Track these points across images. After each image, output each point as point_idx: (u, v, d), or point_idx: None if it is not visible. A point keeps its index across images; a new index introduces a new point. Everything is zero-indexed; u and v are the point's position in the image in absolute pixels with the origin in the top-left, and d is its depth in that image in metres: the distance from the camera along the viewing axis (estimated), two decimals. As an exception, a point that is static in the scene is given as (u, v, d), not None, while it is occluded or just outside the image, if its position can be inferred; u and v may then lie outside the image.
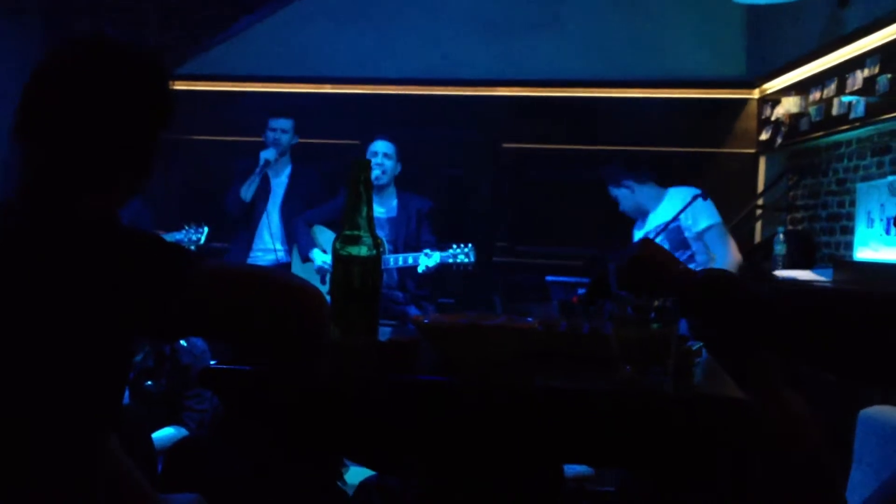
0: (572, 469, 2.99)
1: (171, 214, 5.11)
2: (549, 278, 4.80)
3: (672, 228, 4.31)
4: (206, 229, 4.57)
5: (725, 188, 5.41)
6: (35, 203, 1.36)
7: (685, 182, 4.58)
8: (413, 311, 4.59)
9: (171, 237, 4.38)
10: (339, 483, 3.38)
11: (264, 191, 4.97)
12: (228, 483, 2.21)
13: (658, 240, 4.32)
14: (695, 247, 4.37)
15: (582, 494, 2.98)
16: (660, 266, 1.46)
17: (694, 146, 5.86)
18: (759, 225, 5.79)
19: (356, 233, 1.42)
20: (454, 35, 5.99)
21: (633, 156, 5.33)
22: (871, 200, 4.35)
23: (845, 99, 4.44)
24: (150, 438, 2.96)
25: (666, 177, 4.73)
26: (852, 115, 4.37)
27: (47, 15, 4.99)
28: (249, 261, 4.91)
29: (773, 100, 5.44)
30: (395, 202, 4.76)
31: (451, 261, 4.47)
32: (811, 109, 4.89)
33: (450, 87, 6.04)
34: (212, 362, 1.50)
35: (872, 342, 1.23)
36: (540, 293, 4.91)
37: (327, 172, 5.23)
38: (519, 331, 1.50)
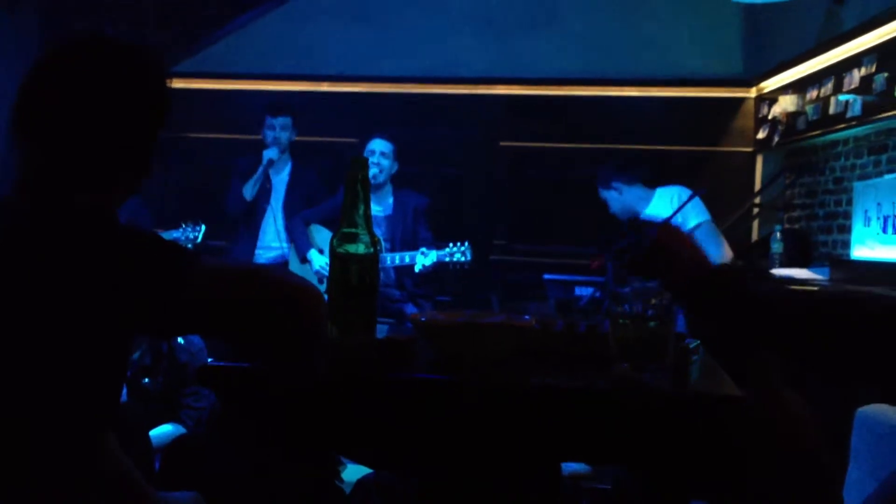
0: (569, 467, 2.99)
1: (168, 213, 5.10)
2: (546, 276, 4.80)
3: None
4: (203, 227, 4.56)
5: (722, 187, 5.42)
6: (33, 201, 1.36)
7: (682, 180, 4.59)
8: (410, 309, 4.59)
9: (168, 235, 4.37)
10: (336, 481, 3.38)
11: (265, 189, 4.96)
12: (226, 481, 2.22)
13: None
14: None
15: (579, 492, 2.98)
16: (674, 255, 1.45)
17: (691, 145, 5.86)
18: (756, 223, 5.79)
19: (354, 231, 1.42)
20: (452, 33, 5.98)
21: (629, 154, 5.35)
22: (868, 199, 4.35)
23: (842, 97, 4.44)
24: (148, 436, 2.96)
25: (663, 175, 4.74)
26: (849, 114, 4.37)
27: (45, 13, 4.98)
28: (255, 259, 4.92)
29: (770, 98, 5.44)
30: (391, 200, 4.76)
31: (447, 259, 4.48)
32: (808, 108, 4.90)
33: (448, 86, 6.04)
34: (209, 360, 1.51)
35: (871, 343, 1.23)
36: (537, 291, 4.91)
37: (325, 170, 5.23)
38: (516, 329, 1.50)
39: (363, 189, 1.44)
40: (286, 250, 4.95)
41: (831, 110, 4.59)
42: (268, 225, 4.98)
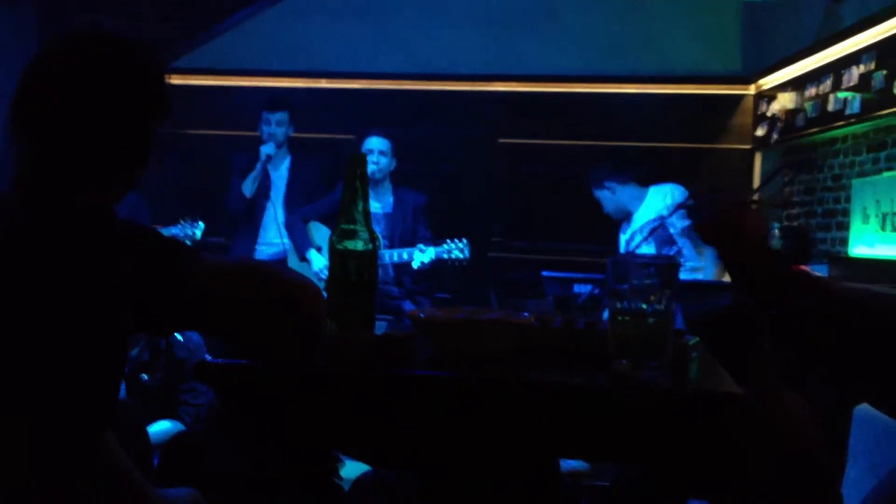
0: (568, 464, 2.99)
1: (167, 209, 5.09)
2: (545, 273, 4.81)
3: (658, 225, 4.35)
4: (202, 224, 4.56)
5: (721, 184, 5.42)
6: (31, 197, 1.36)
7: (681, 177, 4.60)
8: (409, 306, 4.59)
9: (167, 232, 4.37)
10: (335, 478, 3.38)
11: (264, 185, 4.96)
12: (224, 478, 2.22)
13: (643, 238, 4.36)
14: (681, 242, 4.42)
15: (578, 489, 2.98)
16: (734, 230, 1.49)
17: (690, 142, 5.87)
18: (754, 221, 5.79)
19: (352, 227, 1.42)
20: (451, 30, 5.98)
21: (628, 151, 5.35)
22: (867, 196, 4.35)
23: (841, 95, 4.44)
24: (146, 433, 2.95)
25: (662, 172, 4.74)
26: (848, 112, 4.38)
27: (43, 8, 4.98)
28: (256, 255, 4.91)
29: (769, 96, 5.44)
30: (391, 198, 4.76)
31: (445, 256, 4.47)
32: (807, 105, 4.90)
33: (446, 83, 6.04)
34: (207, 357, 1.50)
35: None
36: (536, 288, 4.91)
37: (323, 167, 5.22)
38: (515, 326, 1.50)
39: (362, 185, 1.44)
40: (287, 246, 4.95)
41: (830, 107, 4.59)
42: (268, 221, 4.97)
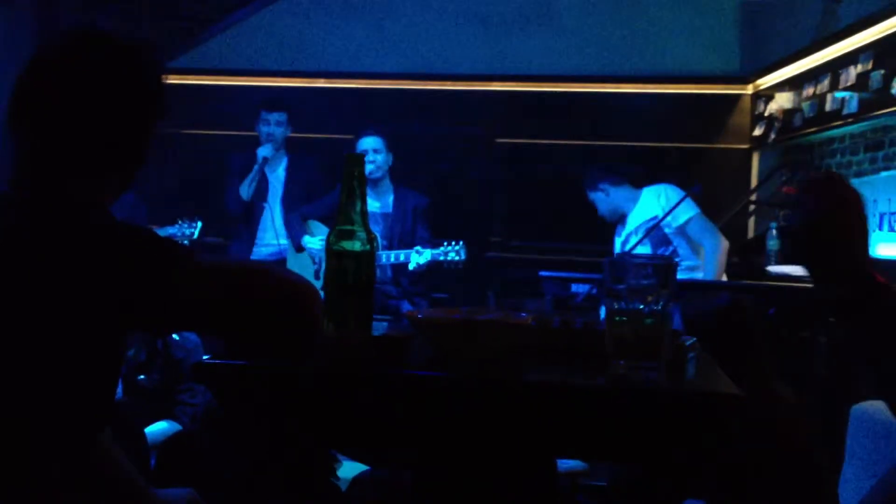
0: (565, 464, 2.99)
1: (164, 209, 5.09)
2: (542, 273, 4.81)
3: (652, 226, 4.36)
4: (199, 224, 4.55)
5: (719, 183, 5.43)
6: (28, 195, 1.36)
7: (678, 177, 4.60)
8: (406, 306, 4.58)
9: (164, 232, 4.37)
10: (332, 478, 3.37)
11: (261, 187, 4.95)
12: (222, 478, 2.21)
13: (639, 239, 4.37)
14: (676, 242, 4.43)
15: (575, 489, 2.99)
16: (831, 247, 1.32)
17: (687, 142, 5.87)
18: (752, 220, 5.80)
19: (350, 227, 1.42)
20: (448, 29, 5.98)
21: (625, 151, 5.35)
22: (864, 196, 4.35)
23: (838, 95, 4.45)
24: (143, 433, 2.96)
25: (659, 172, 4.74)
26: (845, 111, 4.38)
27: (40, 7, 4.97)
28: (253, 256, 4.91)
29: (767, 95, 5.44)
30: (391, 198, 4.75)
31: (442, 258, 4.47)
32: (804, 105, 4.90)
33: (444, 82, 6.04)
34: (204, 356, 1.50)
35: None
36: (534, 288, 4.91)
37: (321, 167, 5.21)
38: (513, 326, 1.50)
39: (359, 185, 1.44)
40: (284, 248, 4.95)
41: (828, 107, 4.59)
42: (266, 223, 4.97)
